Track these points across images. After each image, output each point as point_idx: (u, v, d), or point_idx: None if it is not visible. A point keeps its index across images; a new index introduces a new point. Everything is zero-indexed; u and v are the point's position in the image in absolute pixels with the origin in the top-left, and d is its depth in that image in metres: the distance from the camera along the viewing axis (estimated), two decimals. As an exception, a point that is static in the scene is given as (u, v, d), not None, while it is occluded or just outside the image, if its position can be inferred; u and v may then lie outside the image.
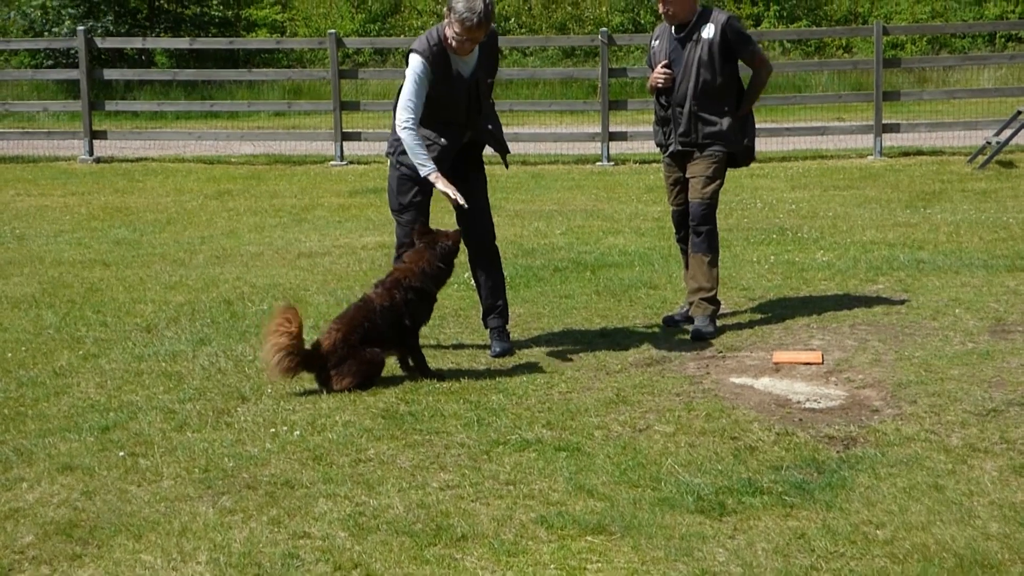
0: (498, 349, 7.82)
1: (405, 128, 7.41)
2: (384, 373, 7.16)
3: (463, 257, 7.74)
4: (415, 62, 7.48)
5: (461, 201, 7.42)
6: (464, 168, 7.79)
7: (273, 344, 6.84)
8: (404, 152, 7.57)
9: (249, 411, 6.65)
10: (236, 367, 7.54)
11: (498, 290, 8.02)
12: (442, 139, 7.62)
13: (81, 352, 7.96)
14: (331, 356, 6.99)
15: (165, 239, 12.45)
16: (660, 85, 8.30)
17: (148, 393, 7.04)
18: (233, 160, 19.62)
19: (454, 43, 7.44)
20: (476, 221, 7.87)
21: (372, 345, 7.10)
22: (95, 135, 20.04)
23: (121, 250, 11.80)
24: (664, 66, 8.27)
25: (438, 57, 7.49)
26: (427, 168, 7.39)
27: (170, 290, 9.91)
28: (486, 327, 8.03)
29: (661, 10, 8.28)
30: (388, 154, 7.87)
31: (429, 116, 7.57)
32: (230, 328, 8.57)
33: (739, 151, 8.37)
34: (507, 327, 8.00)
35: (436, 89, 7.51)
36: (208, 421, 6.49)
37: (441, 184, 7.37)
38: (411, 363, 7.38)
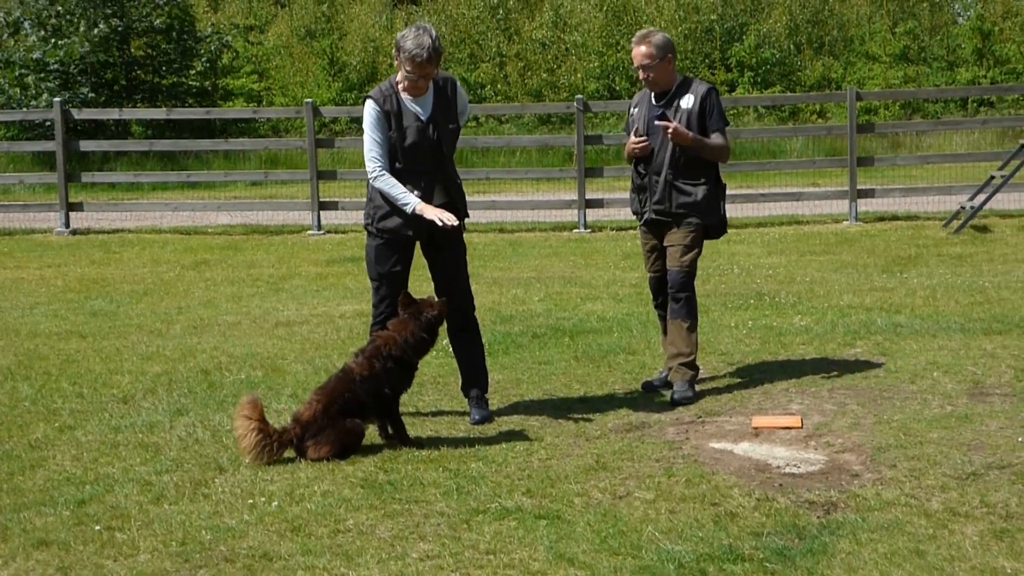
0: (477, 416, 7.79)
1: (375, 177, 7.59)
2: (364, 442, 7.12)
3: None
4: (367, 106, 7.66)
5: (453, 221, 7.46)
6: (444, 239, 7.75)
7: (244, 445, 6.84)
8: (382, 218, 7.65)
9: (227, 482, 6.60)
10: (213, 437, 7.49)
11: (477, 358, 8.01)
12: (415, 191, 7.61)
13: (57, 424, 7.90)
14: (311, 426, 6.95)
15: (142, 310, 12.41)
16: (637, 154, 8.35)
17: (125, 465, 6.98)
18: (210, 230, 19.61)
19: (407, 83, 7.57)
20: (456, 290, 7.86)
21: (353, 415, 7.06)
22: (71, 207, 20.00)
23: (98, 321, 11.75)
24: (641, 135, 8.33)
25: (389, 99, 7.63)
26: (411, 203, 7.50)
27: (147, 360, 9.86)
28: (465, 395, 8.01)
29: (641, 76, 8.35)
30: (366, 225, 7.89)
31: (399, 169, 7.64)
32: (207, 398, 8.52)
33: (713, 223, 8.41)
34: (486, 395, 7.98)
35: (395, 132, 7.60)
36: (185, 493, 6.44)
37: (429, 213, 7.46)
38: (390, 431, 7.35)
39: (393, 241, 7.73)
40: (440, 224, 7.45)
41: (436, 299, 7.58)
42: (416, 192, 7.60)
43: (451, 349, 8.30)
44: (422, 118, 7.66)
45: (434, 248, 7.79)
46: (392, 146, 7.64)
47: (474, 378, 7.98)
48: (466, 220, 8.01)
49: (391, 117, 7.62)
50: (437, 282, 7.95)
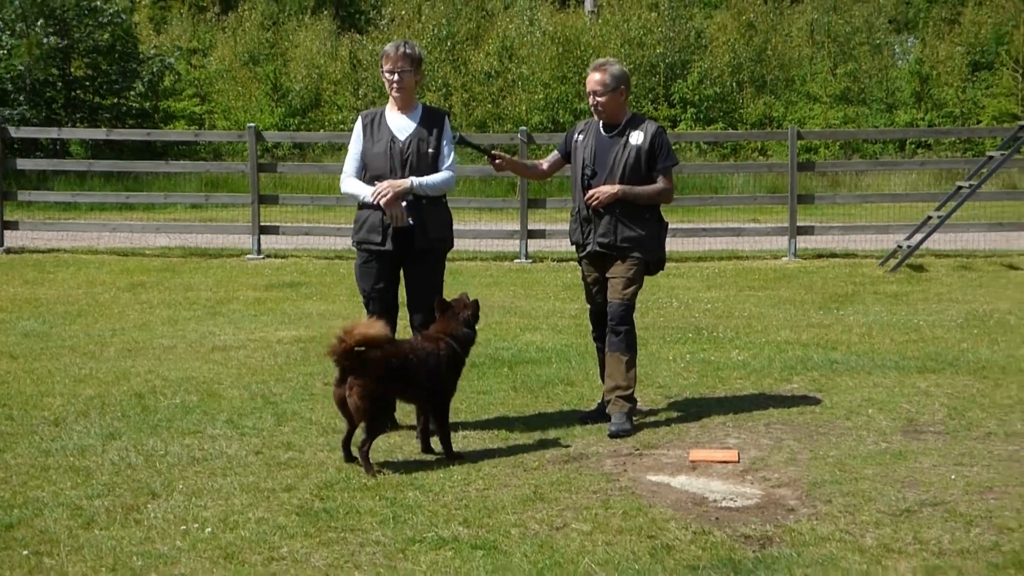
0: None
1: (342, 180, 8.29)
2: (300, 470, 7.05)
3: None
4: (356, 123, 8.36)
5: (398, 218, 8.01)
6: (415, 254, 8.21)
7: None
8: (357, 231, 8.23)
9: (159, 507, 6.52)
10: (147, 462, 7.40)
11: None
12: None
13: (-14, 445, 7.77)
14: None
15: (75, 331, 12.25)
16: (499, 164, 8.52)
17: (55, 489, 6.87)
18: (148, 252, 19.43)
19: (388, 85, 8.18)
20: (424, 309, 8.09)
21: (406, 383, 7.35)
22: (6, 225, 19.70)
23: (29, 342, 11.59)
24: (588, 165, 8.38)
25: (375, 115, 8.30)
26: (367, 192, 8.07)
27: (79, 383, 9.73)
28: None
29: (592, 102, 8.39)
30: (352, 243, 8.42)
31: (367, 176, 8.21)
32: (141, 422, 8.42)
33: (654, 260, 8.47)
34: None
35: (369, 140, 8.21)
36: (117, 518, 6.35)
37: (382, 200, 7.98)
38: (428, 434, 7.64)
39: (371, 256, 8.18)
40: (385, 215, 8.01)
41: (468, 298, 7.89)
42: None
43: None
44: (397, 133, 8.18)
45: (411, 266, 8.23)
46: (364, 154, 8.23)
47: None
48: (443, 244, 8.46)
49: (370, 128, 8.22)
50: (409, 299, 8.30)
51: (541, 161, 9.05)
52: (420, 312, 8.13)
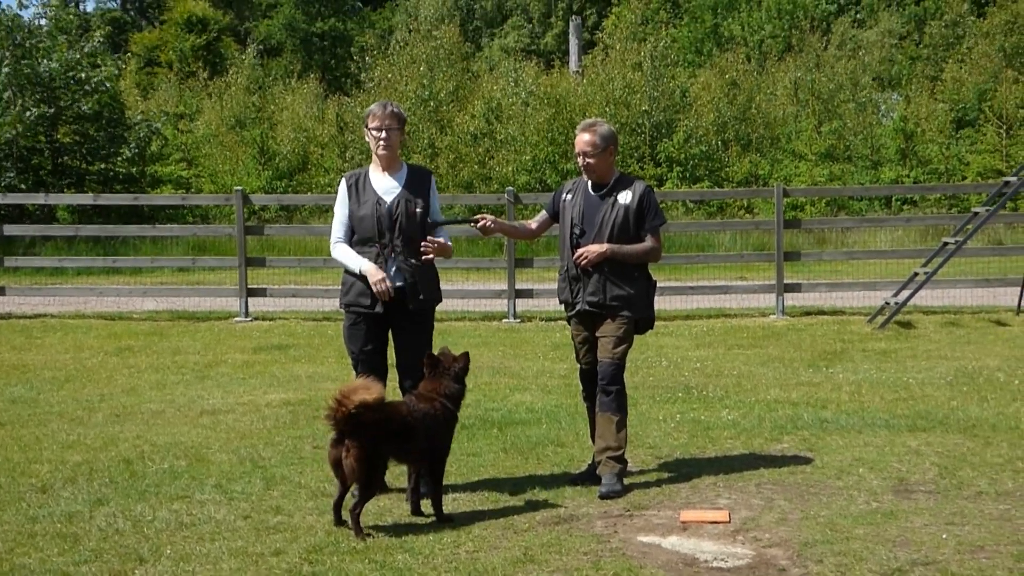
0: (423, 490, 7.80)
1: (332, 246, 8.26)
2: (288, 533, 7.02)
3: None
4: (340, 185, 8.33)
5: (384, 292, 7.99)
6: (405, 318, 8.22)
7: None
8: (346, 293, 8.21)
9: (147, 573, 6.48)
10: (134, 527, 7.36)
11: None
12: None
13: (-27, 513, 7.72)
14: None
15: (63, 397, 12.21)
16: (486, 227, 8.49)
17: (42, 556, 6.82)
18: (135, 316, 19.40)
19: (375, 144, 8.21)
20: (413, 371, 8.04)
21: (403, 445, 7.35)
22: (-6, 291, 19.73)
23: (17, 408, 11.54)
24: (576, 224, 8.41)
25: (359, 177, 8.31)
26: (359, 266, 8.08)
27: (67, 449, 9.68)
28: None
29: (581, 163, 8.41)
30: (340, 305, 8.40)
31: (355, 239, 8.23)
32: (129, 488, 8.37)
33: (643, 319, 8.48)
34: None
35: (355, 202, 8.19)
36: (104, 585, 6.30)
37: (371, 277, 8.01)
38: (419, 496, 7.66)
39: (359, 318, 8.19)
40: (376, 290, 7.99)
41: (456, 354, 7.90)
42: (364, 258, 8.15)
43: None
44: (383, 195, 8.19)
45: (399, 326, 8.22)
46: (350, 217, 8.22)
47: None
48: (433, 303, 8.46)
49: (354, 190, 8.22)
50: (400, 362, 8.28)
51: (529, 221, 9.07)
52: (411, 378, 8.08)
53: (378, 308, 8.12)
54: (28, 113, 30.33)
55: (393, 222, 8.14)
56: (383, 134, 8.19)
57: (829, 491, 8.08)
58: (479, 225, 8.46)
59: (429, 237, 8.17)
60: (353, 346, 8.27)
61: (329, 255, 8.49)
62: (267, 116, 40.46)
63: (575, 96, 36.81)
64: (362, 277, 8.09)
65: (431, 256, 8.15)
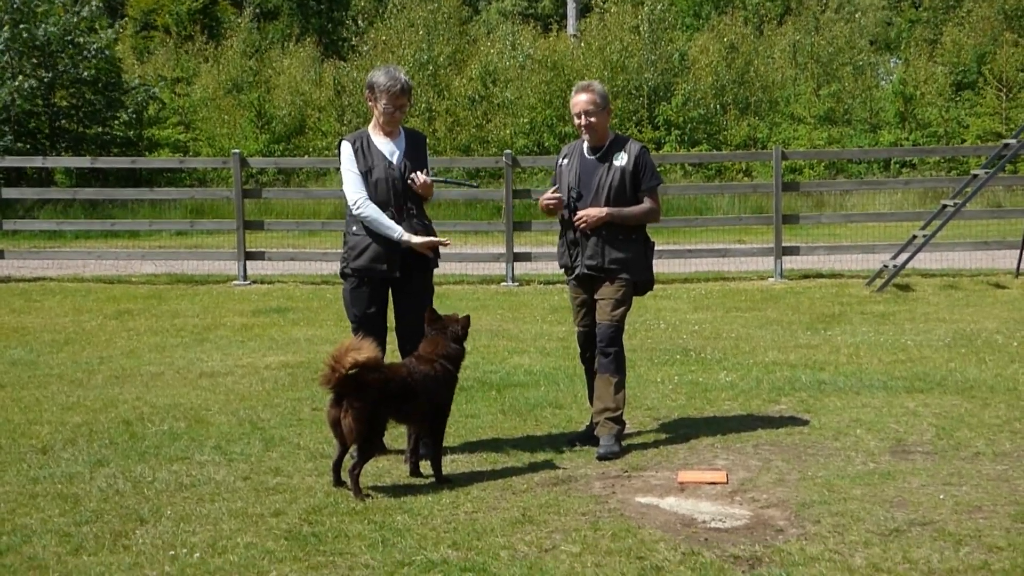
0: (422, 451, 7.83)
1: (359, 207, 8.10)
2: (288, 494, 7.04)
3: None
4: (342, 147, 8.26)
5: (445, 241, 8.18)
6: (411, 280, 8.26)
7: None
8: (356, 258, 8.13)
9: (147, 533, 6.50)
10: (135, 488, 7.38)
11: None
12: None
13: (-27, 474, 7.75)
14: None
15: (63, 359, 12.22)
16: (551, 206, 8.40)
17: (43, 516, 6.85)
18: (134, 279, 19.40)
19: (383, 118, 8.15)
20: (416, 332, 7.99)
21: (403, 406, 7.36)
22: (-7, 254, 19.74)
23: (17, 371, 11.56)
24: (573, 187, 8.39)
25: (360, 139, 8.23)
26: (396, 231, 8.02)
27: (67, 411, 9.71)
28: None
29: (583, 123, 8.36)
30: (342, 269, 8.34)
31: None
32: (129, 449, 8.40)
33: (642, 281, 8.48)
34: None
35: (364, 166, 8.12)
36: (105, 544, 6.33)
37: (416, 240, 8.03)
38: (418, 457, 7.69)
39: (367, 282, 8.16)
40: (431, 254, 8.17)
41: (459, 315, 7.95)
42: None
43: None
44: (390, 157, 8.16)
45: (400, 289, 8.22)
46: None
47: None
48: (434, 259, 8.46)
49: (361, 153, 8.14)
50: (399, 323, 8.30)
51: None
52: (411, 341, 8.02)
53: (396, 273, 8.12)
54: (24, 81, 30.18)
55: (402, 179, 8.16)
56: (397, 113, 8.17)
57: (826, 452, 8.10)
58: (551, 205, 8.40)
59: (411, 176, 8.20)
60: (356, 309, 8.23)
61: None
62: (264, 80, 40.29)
63: (573, 60, 36.70)
64: (385, 241, 8.04)
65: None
